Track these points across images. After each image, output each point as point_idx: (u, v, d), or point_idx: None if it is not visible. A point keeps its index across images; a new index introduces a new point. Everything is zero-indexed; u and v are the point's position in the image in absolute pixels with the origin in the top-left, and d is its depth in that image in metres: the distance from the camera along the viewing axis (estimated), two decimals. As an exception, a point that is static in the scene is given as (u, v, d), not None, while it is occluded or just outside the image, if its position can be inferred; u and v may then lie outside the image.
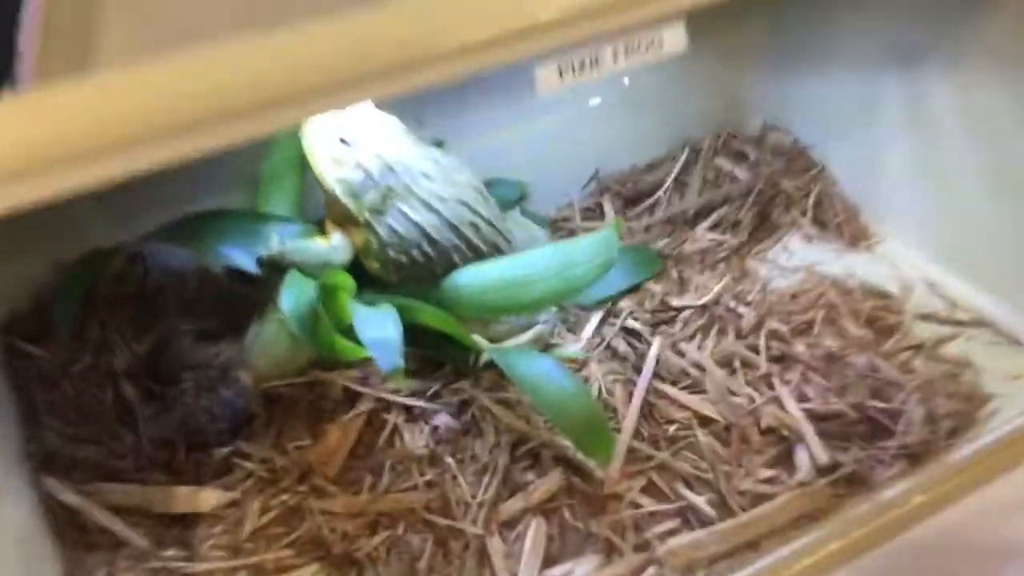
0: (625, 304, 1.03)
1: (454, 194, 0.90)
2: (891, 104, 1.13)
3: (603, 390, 0.92)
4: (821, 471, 0.84)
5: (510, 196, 1.12)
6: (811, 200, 1.20)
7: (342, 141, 0.87)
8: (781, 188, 1.21)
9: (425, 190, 0.89)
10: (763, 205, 1.19)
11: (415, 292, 0.89)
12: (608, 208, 1.19)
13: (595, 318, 1.01)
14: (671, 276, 1.08)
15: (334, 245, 0.90)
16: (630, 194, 1.21)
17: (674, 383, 0.94)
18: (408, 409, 0.89)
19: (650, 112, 1.24)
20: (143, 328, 0.94)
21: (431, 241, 0.90)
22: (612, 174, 1.24)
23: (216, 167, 1.02)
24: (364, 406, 0.90)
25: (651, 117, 1.25)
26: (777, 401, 0.91)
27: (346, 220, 0.90)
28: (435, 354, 0.93)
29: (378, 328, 0.76)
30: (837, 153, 1.23)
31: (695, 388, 0.93)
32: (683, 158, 1.24)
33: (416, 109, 1.05)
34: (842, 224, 1.18)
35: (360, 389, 0.91)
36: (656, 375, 0.94)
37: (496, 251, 0.93)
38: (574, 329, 1.00)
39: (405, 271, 0.91)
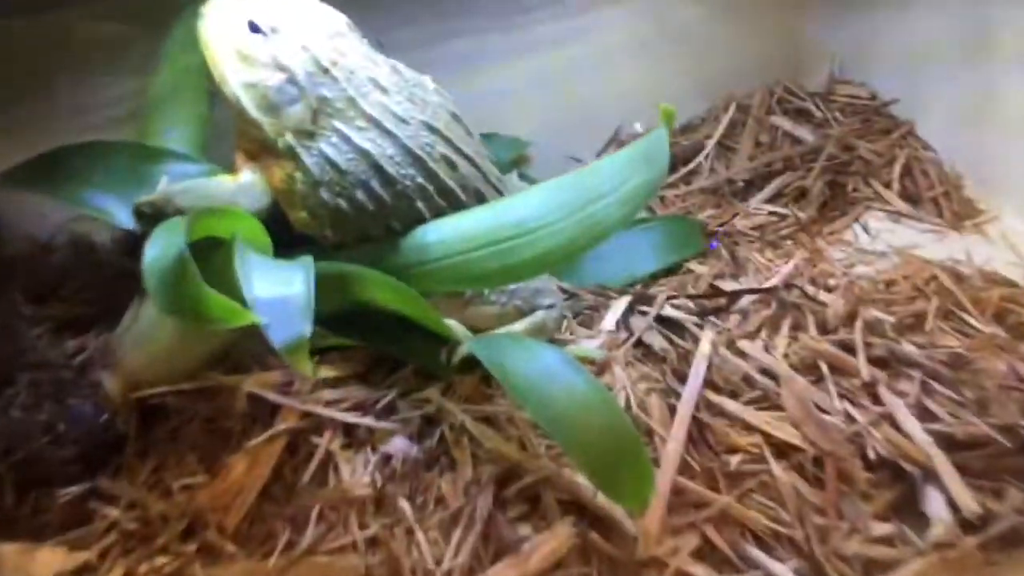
0: (660, 288, 0.75)
1: (419, 116, 0.63)
2: (1003, 38, 0.87)
3: (633, 403, 0.64)
4: (966, 525, 0.58)
5: (505, 156, 0.86)
6: (897, 168, 0.94)
7: (253, 28, 0.60)
8: (857, 153, 0.94)
9: (376, 105, 0.62)
10: (835, 174, 0.93)
11: (360, 256, 0.62)
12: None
13: (619, 304, 0.73)
14: (720, 255, 0.80)
15: (242, 184, 0.62)
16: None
17: (734, 395, 0.66)
18: (348, 429, 0.62)
19: (685, 58, 0.98)
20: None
21: (385, 179, 0.62)
22: (637, 134, 0.97)
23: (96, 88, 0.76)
24: (284, 424, 0.62)
25: (686, 64, 0.99)
26: (889, 420, 0.64)
27: (261, 149, 0.63)
28: (389, 349, 0.65)
29: (275, 282, 0.48)
30: (928, 108, 0.96)
31: (765, 402, 0.66)
32: (729, 116, 0.97)
33: (376, 28, 0.77)
34: (939, 198, 0.91)
35: (278, 399, 0.63)
36: (708, 383, 0.67)
37: (481, 202, 0.65)
38: (590, 320, 0.72)
39: (346, 224, 0.64)
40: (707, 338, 0.69)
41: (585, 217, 0.57)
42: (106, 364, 0.63)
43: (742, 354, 0.69)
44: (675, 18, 0.96)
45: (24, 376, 0.61)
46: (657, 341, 0.69)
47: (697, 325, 0.70)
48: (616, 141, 0.97)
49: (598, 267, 0.77)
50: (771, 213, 0.87)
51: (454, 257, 0.61)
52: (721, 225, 0.86)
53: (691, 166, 0.94)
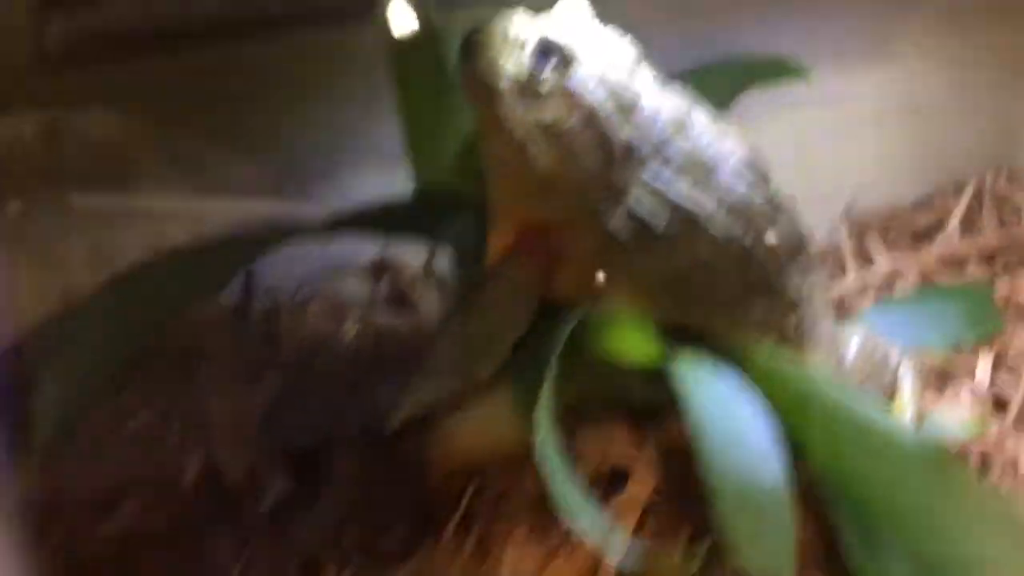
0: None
1: (730, 161, 0.52)
2: None
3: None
4: None
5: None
6: None
7: (543, 50, 0.48)
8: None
9: (681, 152, 0.51)
10: None
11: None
12: (880, 254, 0.86)
13: (983, 362, 0.62)
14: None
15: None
16: (899, 237, 0.87)
17: None
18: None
19: (908, 138, 0.93)
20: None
21: (709, 242, 0.52)
22: (868, 210, 0.90)
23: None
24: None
25: (909, 144, 0.93)
26: None
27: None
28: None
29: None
30: None
31: None
32: (969, 193, 0.90)
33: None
34: None
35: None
36: None
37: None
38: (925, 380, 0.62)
39: (675, 302, 0.53)
40: None
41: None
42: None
43: None
44: (898, 98, 0.91)
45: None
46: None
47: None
48: (849, 213, 0.89)
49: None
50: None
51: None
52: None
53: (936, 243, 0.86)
